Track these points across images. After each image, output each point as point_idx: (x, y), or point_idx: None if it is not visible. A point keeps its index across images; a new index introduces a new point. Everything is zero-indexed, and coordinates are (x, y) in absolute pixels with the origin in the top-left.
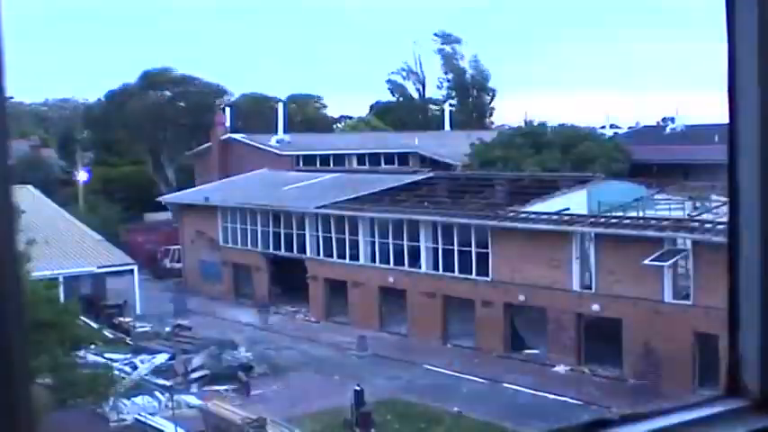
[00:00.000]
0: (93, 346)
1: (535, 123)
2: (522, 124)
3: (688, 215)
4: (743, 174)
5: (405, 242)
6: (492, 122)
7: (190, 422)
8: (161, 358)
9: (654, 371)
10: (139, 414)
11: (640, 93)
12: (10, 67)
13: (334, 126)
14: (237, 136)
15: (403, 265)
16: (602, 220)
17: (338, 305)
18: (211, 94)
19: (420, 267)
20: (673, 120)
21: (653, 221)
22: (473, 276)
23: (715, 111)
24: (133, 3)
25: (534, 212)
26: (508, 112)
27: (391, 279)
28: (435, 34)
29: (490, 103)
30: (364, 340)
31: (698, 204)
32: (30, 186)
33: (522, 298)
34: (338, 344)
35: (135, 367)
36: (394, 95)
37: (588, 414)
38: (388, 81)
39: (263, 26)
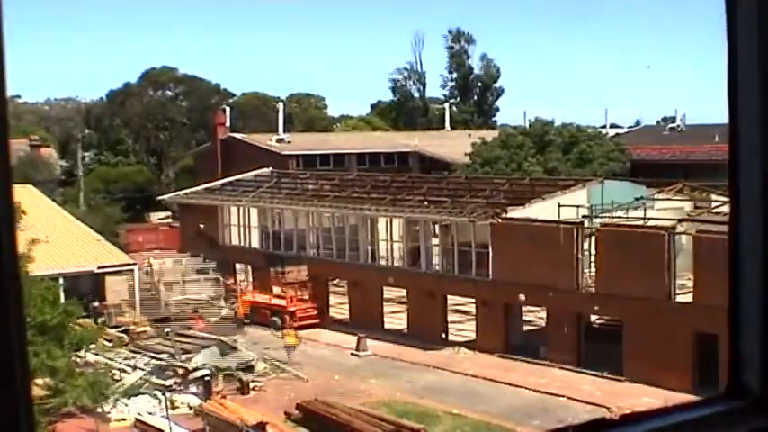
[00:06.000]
0: (92, 346)
1: (537, 123)
2: (523, 124)
3: (688, 215)
4: (743, 174)
5: (405, 242)
6: (495, 122)
7: (189, 422)
8: (161, 358)
9: (654, 371)
10: (139, 414)
11: (640, 93)
12: (11, 66)
13: (335, 126)
14: (238, 135)
15: (403, 264)
16: (603, 220)
17: (338, 305)
18: (212, 94)
19: (420, 267)
20: (673, 120)
21: (653, 221)
22: (473, 276)
23: (715, 111)
24: (134, 2)
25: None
26: (509, 111)
27: (391, 279)
28: (449, 30)
29: (493, 102)
30: (364, 340)
31: (698, 204)
32: (30, 186)
33: (522, 298)
34: (338, 344)
35: (135, 367)
36: (395, 95)
37: (588, 414)
38: (389, 80)
39: (264, 25)
